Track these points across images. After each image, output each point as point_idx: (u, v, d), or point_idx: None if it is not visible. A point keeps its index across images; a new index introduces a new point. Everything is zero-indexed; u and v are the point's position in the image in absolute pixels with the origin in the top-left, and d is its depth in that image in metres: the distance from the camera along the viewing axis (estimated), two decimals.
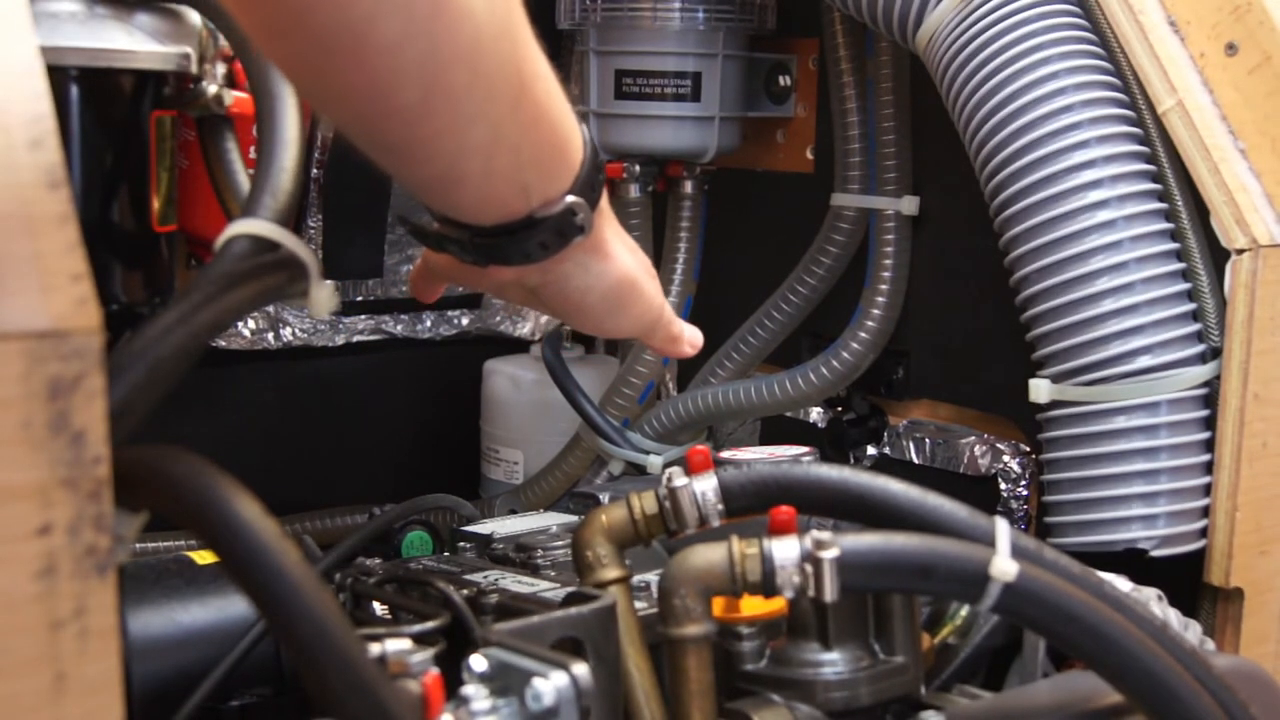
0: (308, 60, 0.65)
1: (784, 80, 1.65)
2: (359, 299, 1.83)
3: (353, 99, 0.67)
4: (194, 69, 0.89)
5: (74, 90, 0.83)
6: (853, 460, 1.60)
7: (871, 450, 1.59)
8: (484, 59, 0.67)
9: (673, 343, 0.98)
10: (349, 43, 0.63)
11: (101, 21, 0.86)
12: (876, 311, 1.50)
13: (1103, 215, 1.10)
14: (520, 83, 0.71)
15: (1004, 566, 0.74)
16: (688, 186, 1.67)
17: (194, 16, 0.91)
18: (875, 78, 1.48)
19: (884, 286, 1.50)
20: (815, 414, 1.65)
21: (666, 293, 1.65)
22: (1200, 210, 1.11)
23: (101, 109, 0.84)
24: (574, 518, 1.21)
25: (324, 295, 0.72)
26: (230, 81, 0.93)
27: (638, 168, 1.63)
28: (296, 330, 1.77)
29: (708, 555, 0.78)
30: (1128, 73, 1.14)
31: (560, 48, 1.79)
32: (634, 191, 1.65)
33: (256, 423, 1.78)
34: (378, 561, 1.06)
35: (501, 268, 0.80)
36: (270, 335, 1.76)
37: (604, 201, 0.83)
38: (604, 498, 1.20)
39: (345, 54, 0.63)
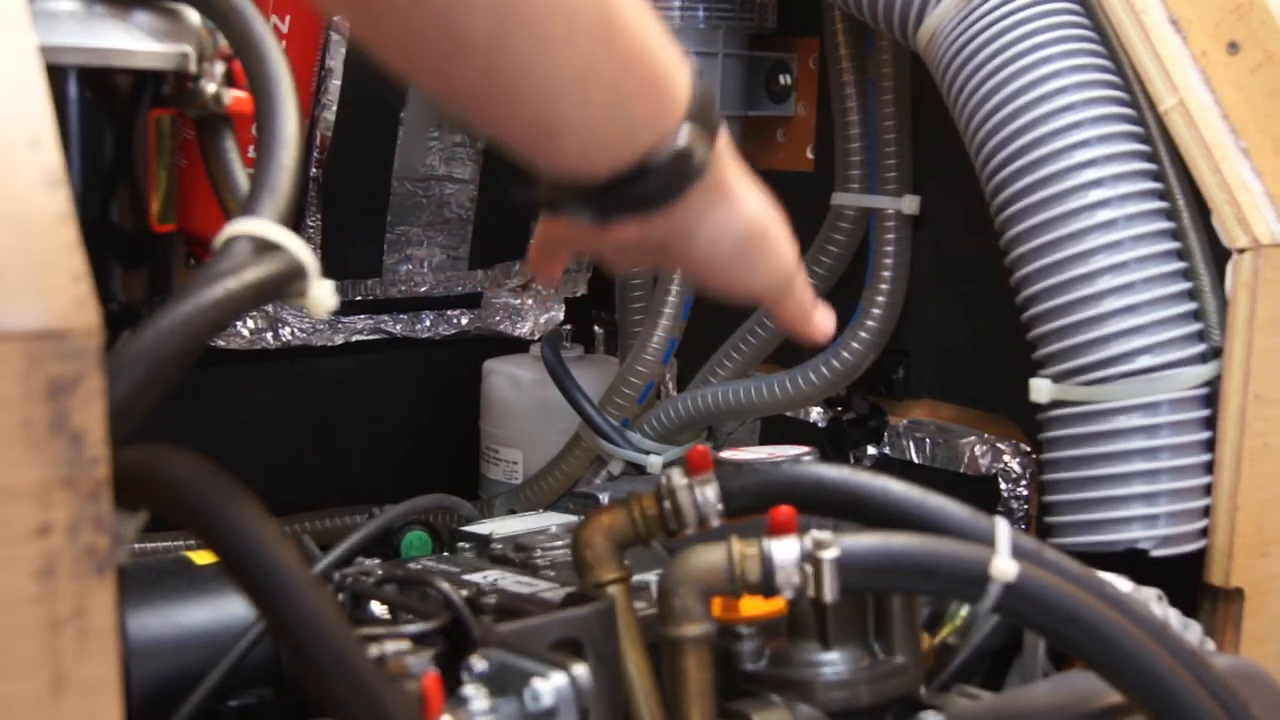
0: (368, 2, 0.62)
1: (784, 79, 1.64)
2: (358, 298, 1.83)
3: (421, 41, 0.63)
4: (193, 68, 0.89)
5: (72, 89, 0.82)
6: (853, 460, 1.60)
7: (872, 450, 1.58)
8: None
9: (804, 320, 0.90)
10: None
11: (100, 20, 0.86)
12: (877, 311, 1.50)
13: (1103, 215, 1.10)
14: (607, 14, 0.67)
15: (1004, 566, 0.74)
16: None
17: (193, 15, 0.90)
18: (876, 77, 1.48)
19: (884, 286, 1.50)
20: (815, 414, 1.65)
21: (666, 293, 1.65)
22: (1201, 209, 1.11)
23: (100, 108, 0.84)
24: (573, 518, 1.20)
25: (323, 294, 0.72)
26: (229, 80, 0.92)
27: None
28: (295, 330, 1.77)
29: (707, 556, 0.78)
30: (1129, 72, 1.14)
31: None
32: None
33: (255, 423, 1.78)
34: (377, 562, 1.06)
35: (623, 225, 0.74)
36: (269, 335, 1.76)
37: (724, 140, 0.77)
38: (604, 498, 1.20)
39: None
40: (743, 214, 0.80)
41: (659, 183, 0.72)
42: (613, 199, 0.72)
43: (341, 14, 0.66)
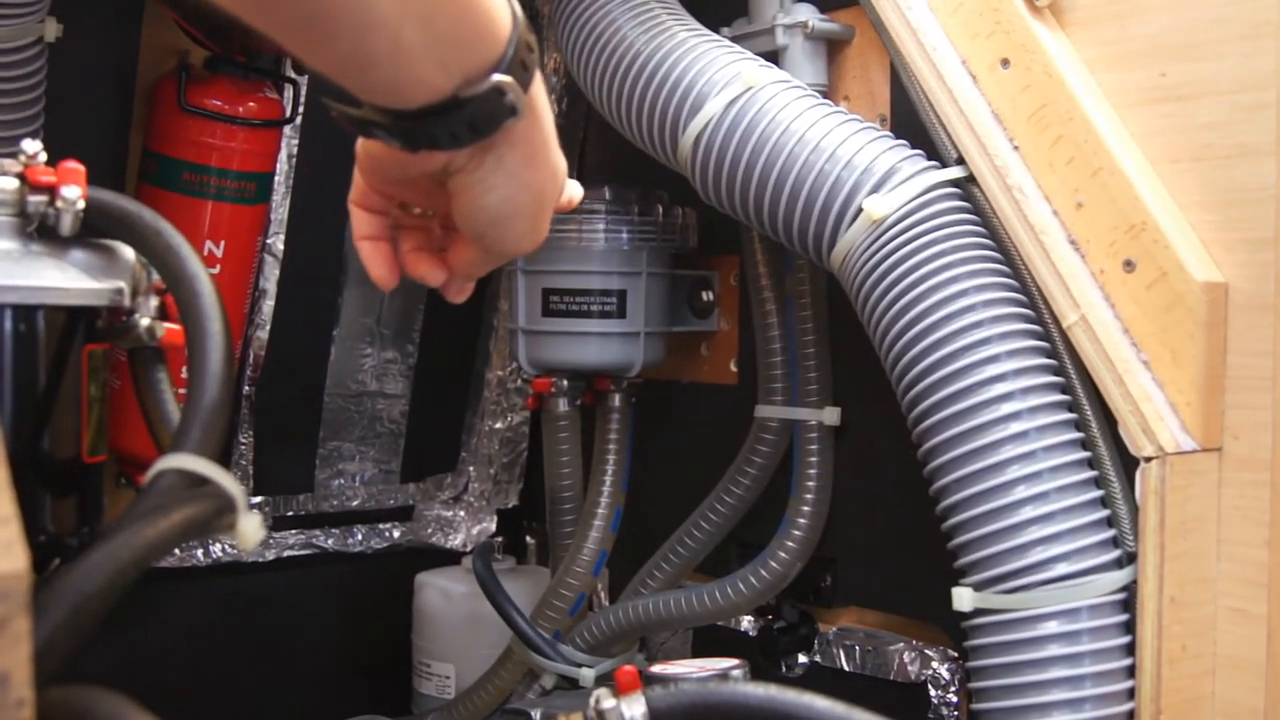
0: None
1: (707, 295, 1.69)
2: (290, 514, 1.83)
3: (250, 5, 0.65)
4: (127, 303, 0.91)
5: (7, 327, 0.84)
6: (785, 668, 1.60)
7: (803, 658, 1.59)
8: None
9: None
10: None
11: (36, 259, 0.88)
12: (803, 520, 1.52)
13: (1015, 426, 1.14)
14: None
15: None
16: (615, 399, 1.70)
17: (128, 252, 0.93)
18: (794, 294, 1.52)
19: (809, 495, 1.52)
20: (746, 623, 1.66)
21: (595, 503, 1.67)
22: (1109, 419, 1.15)
23: (35, 345, 0.85)
24: None
25: (251, 528, 0.73)
26: (162, 313, 0.94)
27: (565, 382, 1.65)
28: (226, 546, 1.76)
29: None
30: (1033, 289, 1.19)
31: None
32: (562, 405, 1.67)
33: (186, 640, 1.76)
34: None
35: (431, 153, 0.75)
36: (199, 552, 1.75)
37: (540, 98, 0.78)
38: (535, 714, 1.19)
39: None
40: (540, 179, 0.80)
41: (468, 119, 0.73)
42: (422, 130, 0.73)
43: None
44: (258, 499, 1.79)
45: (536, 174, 0.80)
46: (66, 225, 0.89)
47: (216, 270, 1.57)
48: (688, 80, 1.35)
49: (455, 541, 1.96)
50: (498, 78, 0.72)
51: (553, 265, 1.59)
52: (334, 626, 1.88)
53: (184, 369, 0.86)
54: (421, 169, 0.78)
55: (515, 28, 0.73)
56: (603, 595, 1.82)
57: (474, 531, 1.97)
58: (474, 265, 0.86)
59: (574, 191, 0.88)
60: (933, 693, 1.45)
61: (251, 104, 1.62)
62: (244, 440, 1.76)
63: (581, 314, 1.58)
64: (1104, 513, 1.14)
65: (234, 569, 1.79)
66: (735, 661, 1.16)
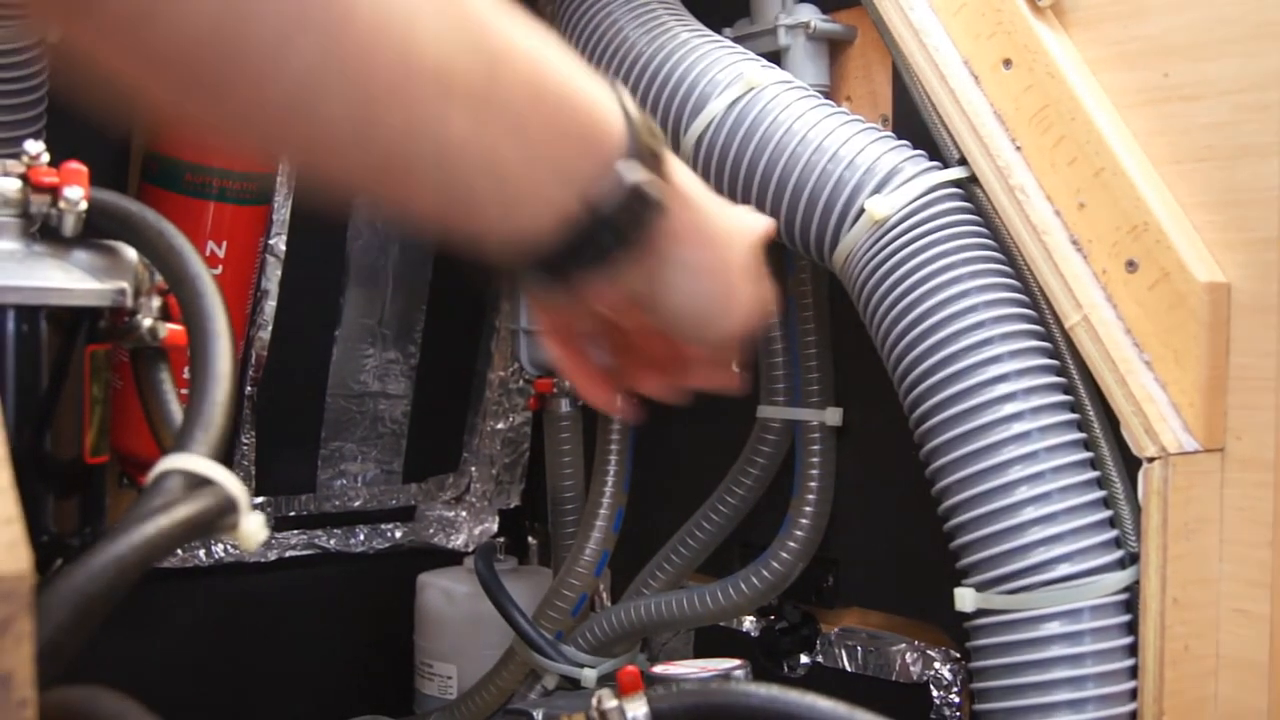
0: (235, 127, 0.58)
1: None
2: (291, 514, 1.83)
3: (292, 144, 0.59)
4: (129, 303, 0.91)
5: (9, 327, 0.84)
6: (786, 669, 1.60)
7: (805, 659, 1.59)
8: (417, 60, 0.56)
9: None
10: (249, 94, 0.54)
11: (39, 259, 0.89)
12: (805, 520, 1.52)
13: (1018, 427, 1.14)
14: (491, 63, 0.59)
15: None
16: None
17: (130, 253, 0.93)
18: (796, 294, 1.52)
19: (811, 496, 1.52)
20: (748, 623, 1.66)
21: (597, 503, 1.67)
22: (1111, 419, 1.15)
23: (37, 345, 0.85)
24: None
25: (254, 528, 0.72)
26: (164, 314, 0.94)
27: (568, 383, 1.65)
28: (228, 546, 1.77)
29: None
30: (1035, 290, 1.19)
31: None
32: (564, 406, 1.67)
33: (189, 641, 1.76)
34: None
35: (592, 286, 0.66)
36: (201, 552, 1.76)
37: (682, 176, 0.69)
38: (538, 715, 1.19)
39: (255, 110, 0.55)
40: (716, 257, 0.72)
41: (611, 228, 0.64)
42: (568, 257, 0.64)
43: (205, 127, 0.61)
44: (260, 499, 1.79)
45: (711, 254, 0.71)
46: (69, 226, 0.89)
47: (218, 271, 1.57)
48: (689, 81, 1.35)
49: (457, 542, 1.96)
50: (628, 173, 0.64)
51: None
52: (335, 627, 1.89)
53: (186, 369, 0.86)
54: (597, 306, 0.71)
55: (626, 112, 0.65)
56: (605, 596, 1.82)
57: (476, 532, 1.97)
58: (701, 358, 0.78)
59: (760, 223, 0.79)
60: (935, 693, 1.45)
61: None
62: (246, 440, 1.76)
63: None
64: (1106, 513, 1.14)
65: (236, 569, 1.79)
66: (737, 662, 1.17)
